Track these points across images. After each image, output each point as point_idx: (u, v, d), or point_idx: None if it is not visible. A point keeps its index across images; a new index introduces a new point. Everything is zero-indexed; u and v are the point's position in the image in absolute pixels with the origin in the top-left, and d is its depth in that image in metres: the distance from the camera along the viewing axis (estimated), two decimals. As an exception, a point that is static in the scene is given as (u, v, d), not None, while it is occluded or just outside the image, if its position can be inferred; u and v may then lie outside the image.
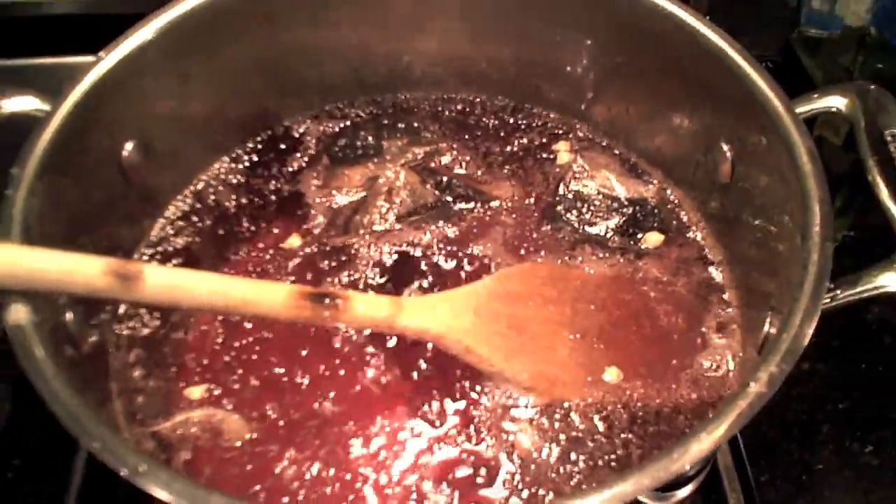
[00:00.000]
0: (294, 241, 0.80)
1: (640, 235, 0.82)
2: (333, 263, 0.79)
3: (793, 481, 0.82)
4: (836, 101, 0.71)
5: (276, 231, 0.82)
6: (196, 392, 0.69)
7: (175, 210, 0.83)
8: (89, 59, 0.73)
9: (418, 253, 0.80)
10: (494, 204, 0.84)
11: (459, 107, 0.94)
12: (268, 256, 0.80)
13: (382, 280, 0.77)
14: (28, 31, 1.02)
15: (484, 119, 0.93)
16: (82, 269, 0.58)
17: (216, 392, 0.70)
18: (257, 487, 0.64)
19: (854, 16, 1.01)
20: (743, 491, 0.79)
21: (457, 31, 0.88)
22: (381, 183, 0.83)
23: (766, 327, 0.66)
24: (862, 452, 0.84)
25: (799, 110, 0.70)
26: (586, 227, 0.82)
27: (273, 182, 0.86)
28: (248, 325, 0.73)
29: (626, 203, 0.83)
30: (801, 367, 0.89)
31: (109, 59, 0.73)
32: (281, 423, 0.68)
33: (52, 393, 0.54)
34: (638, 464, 0.55)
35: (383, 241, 0.80)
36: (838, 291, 0.62)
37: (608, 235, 0.82)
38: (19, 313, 0.57)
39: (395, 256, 0.79)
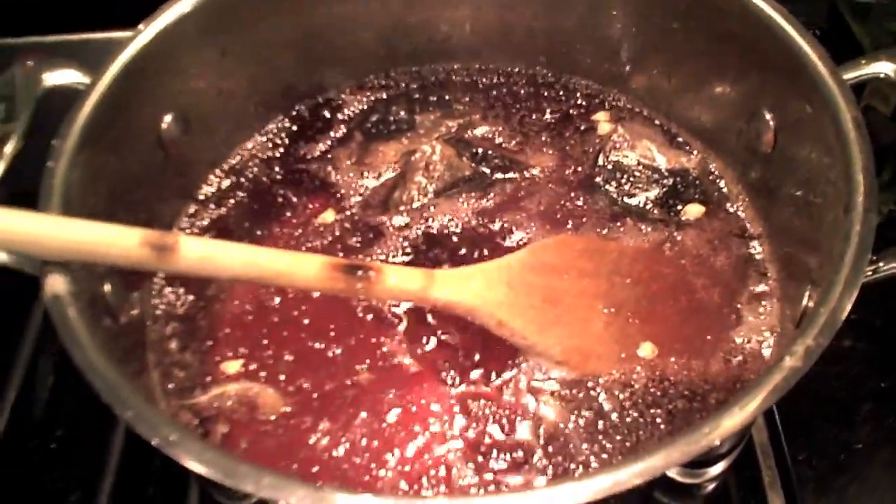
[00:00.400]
0: (328, 216, 0.80)
1: (680, 207, 0.80)
2: (371, 238, 0.79)
3: (831, 460, 0.81)
4: (885, 67, 0.69)
5: (311, 208, 0.82)
6: (232, 367, 0.70)
7: (211, 184, 0.84)
8: (129, 33, 0.73)
9: (458, 226, 0.79)
10: (532, 173, 0.83)
11: (492, 78, 0.93)
12: (302, 232, 0.80)
13: (422, 255, 0.77)
14: (71, 6, 1.04)
15: (517, 89, 0.92)
16: (119, 240, 0.59)
17: (252, 367, 0.70)
18: (292, 460, 0.65)
19: (907, -20, 0.97)
20: (779, 469, 0.78)
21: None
22: (417, 158, 0.82)
23: (805, 301, 0.65)
24: (903, 432, 0.83)
25: (845, 77, 0.68)
26: (626, 199, 0.81)
27: (308, 158, 0.86)
28: (283, 299, 0.74)
29: (666, 174, 0.82)
30: (842, 345, 0.88)
31: (148, 32, 0.74)
32: (315, 395, 0.68)
33: (87, 362, 0.54)
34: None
35: (423, 215, 0.80)
36: (881, 264, 0.61)
37: (648, 207, 0.81)
38: (58, 284, 0.58)
39: (434, 231, 0.79)
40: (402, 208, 0.80)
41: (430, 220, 0.80)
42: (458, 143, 0.85)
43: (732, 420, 0.50)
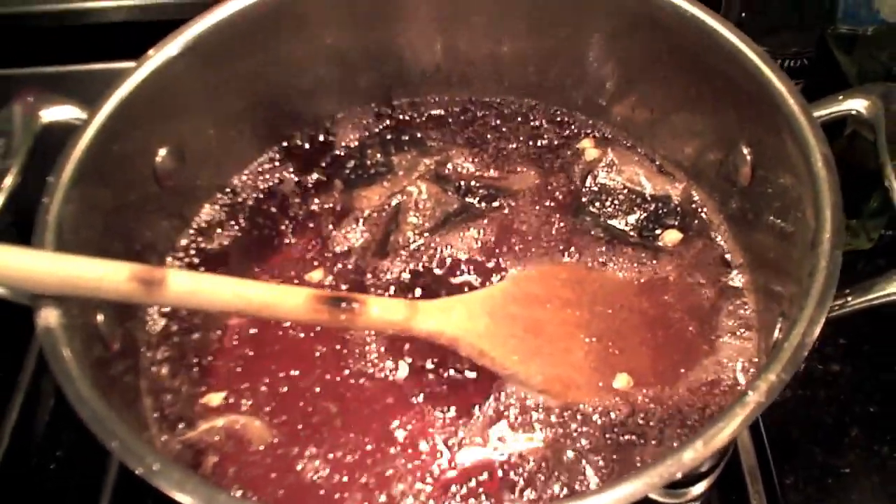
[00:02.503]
0: (316, 274, 0.80)
1: (659, 232, 0.81)
2: (372, 283, 0.79)
3: (818, 484, 0.82)
4: (857, 104, 0.70)
5: (304, 245, 0.83)
6: (215, 399, 0.72)
7: (205, 216, 0.85)
8: (128, 65, 0.75)
9: (456, 261, 0.80)
10: (517, 199, 0.85)
11: (460, 111, 0.94)
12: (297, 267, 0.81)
13: (424, 292, 0.78)
14: (76, 38, 1.06)
15: (488, 121, 0.93)
16: (109, 275, 0.61)
17: (237, 399, 0.72)
18: (279, 487, 0.67)
19: (892, 11, 0.98)
20: (766, 492, 0.79)
21: (480, 31, 0.89)
22: (405, 199, 0.83)
23: (777, 333, 0.66)
24: (891, 457, 0.83)
25: (820, 113, 0.70)
26: (608, 220, 0.83)
27: (296, 199, 0.87)
28: (270, 329, 0.76)
29: (649, 199, 0.83)
30: (831, 369, 0.90)
31: (144, 68, 0.75)
32: (300, 426, 0.70)
33: (76, 393, 0.57)
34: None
35: (422, 255, 0.80)
36: (850, 298, 0.61)
37: (627, 230, 0.82)
38: (50, 316, 0.60)
39: (435, 268, 0.80)
40: (401, 252, 0.81)
41: (429, 258, 0.80)
42: (440, 180, 0.86)
43: (695, 455, 0.51)
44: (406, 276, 0.79)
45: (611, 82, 0.88)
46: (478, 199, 0.85)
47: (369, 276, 0.79)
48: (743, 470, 0.80)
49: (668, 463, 0.51)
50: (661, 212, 0.82)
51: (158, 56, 0.76)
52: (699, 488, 0.71)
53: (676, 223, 0.82)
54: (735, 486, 0.80)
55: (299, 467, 0.67)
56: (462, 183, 0.86)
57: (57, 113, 0.73)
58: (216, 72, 0.81)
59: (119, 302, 0.63)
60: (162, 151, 0.79)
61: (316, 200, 0.86)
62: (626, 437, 0.68)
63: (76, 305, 0.63)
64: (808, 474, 0.83)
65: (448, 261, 0.80)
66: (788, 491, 0.81)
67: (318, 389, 0.72)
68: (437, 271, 0.79)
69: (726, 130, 0.78)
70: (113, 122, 0.72)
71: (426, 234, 0.82)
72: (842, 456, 0.84)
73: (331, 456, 0.68)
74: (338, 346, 0.74)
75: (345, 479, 0.67)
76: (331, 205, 0.86)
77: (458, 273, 0.79)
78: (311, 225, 0.84)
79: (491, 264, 0.80)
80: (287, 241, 0.83)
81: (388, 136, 0.92)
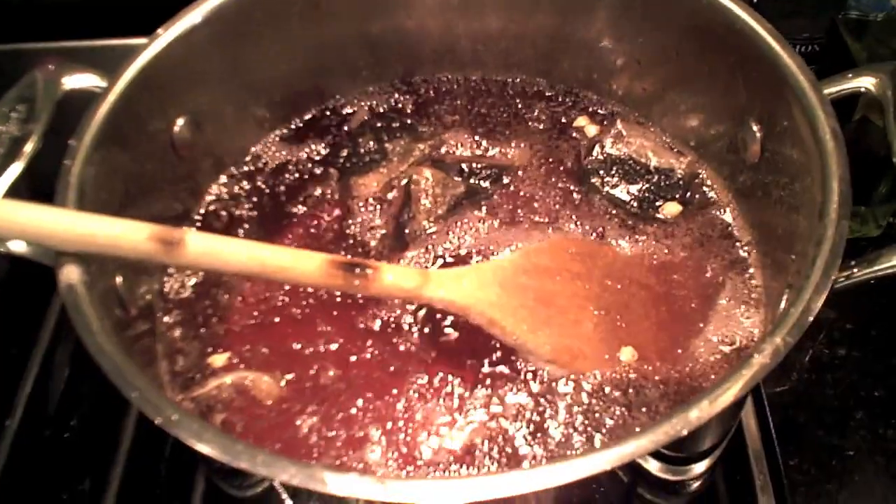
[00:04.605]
0: None
1: (658, 204, 0.82)
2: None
3: (822, 466, 0.83)
4: (866, 82, 0.71)
5: (319, 217, 0.84)
6: (219, 360, 0.73)
7: (220, 186, 0.86)
8: (145, 40, 0.77)
9: (473, 241, 0.81)
10: (521, 173, 0.86)
11: (447, 92, 0.95)
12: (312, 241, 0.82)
13: None
14: (92, 12, 1.07)
15: (478, 100, 0.94)
16: (129, 234, 0.62)
17: (242, 358, 0.73)
18: (284, 443, 0.68)
19: (903, -3, 0.99)
20: (771, 473, 0.80)
21: (487, 9, 0.91)
22: (414, 187, 0.83)
23: (783, 304, 0.66)
24: (895, 439, 0.84)
25: (830, 90, 0.71)
26: (610, 190, 0.84)
27: (311, 174, 0.88)
28: (284, 294, 0.77)
29: (653, 171, 0.84)
30: (838, 353, 0.90)
31: (163, 39, 0.77)
32: (308, 384, 0.71)
33: (97, 346, 0.58)
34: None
35: (439, 239, 0.81)
36: (855, 270, 0.62)
37: (628, 200, 0.83)
38: (72, 274, 0.61)
39: (453, 251, 0.80)
40: (420, 239, 0.81)
41: (449, 242, 0.81)
42: (438, 164, 0.86)
43: (700, 414, 0.52)
44: (431, 262, 0.79)
45: (620, 59, 0.88)
46: (482, 179, 0.86)
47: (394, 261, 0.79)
48: (748, 451, 0.81)
49: (674, 421, 0.52)
50: (663, 184, 0.83)
51: (176, 28, 0.78)
52: (701, 466, 0.72)
53: (678, 196, 0.83)
54: (739, 466, 0.81)
55: (298, 422, 0.69)
56: (463, 165, 0.86)
57: (78, 80, 0.75)
58: (230, 46, 0.82)
59: (138, 261, 0.64)
60: (180, 121, 0.80)
61: (326, 184, 0.87)
62: (628, 408, 0.69)
63: (96, 266, 0.64)
64: (812, 456, 0.83)
65: (466, 242, 0.81)
66: (793, 472, 0.82)
67: (325, 352, 0.73)
68: (460, 253, 0.80)
69: (736, 106, 0.79)
70: (133, 90, 0.74)
71: (441, 220, 0.82)
72: (847, 438, 0.84)
73: (333, 414, 0.69)
74: (347, 312, 0.75)
75: (359, 433, 0.68)
76: (338, 192, 0.86)
77: (476, 254, 0.80)
78: (325, 212, 0.85)
79: (505, 241, 0.81)
80: (299, 225, 0.84)
81: (379, 124, 0.92)
